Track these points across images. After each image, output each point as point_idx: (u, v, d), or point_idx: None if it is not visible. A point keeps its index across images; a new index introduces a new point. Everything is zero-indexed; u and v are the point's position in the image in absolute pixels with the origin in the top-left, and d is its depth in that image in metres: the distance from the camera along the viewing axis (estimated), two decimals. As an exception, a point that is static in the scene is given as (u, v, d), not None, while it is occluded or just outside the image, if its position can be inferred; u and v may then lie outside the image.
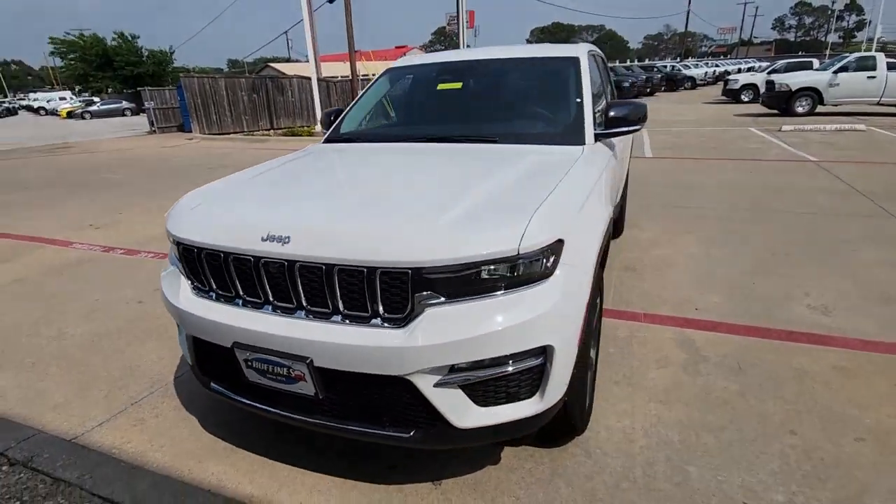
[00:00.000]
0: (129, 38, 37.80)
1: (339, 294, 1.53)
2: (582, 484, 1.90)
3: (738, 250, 4.26)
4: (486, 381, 1.55)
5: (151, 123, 18.47)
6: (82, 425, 2.32)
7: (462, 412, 1.56)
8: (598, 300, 2.04)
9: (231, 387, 1.86)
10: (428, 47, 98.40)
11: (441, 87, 2.97)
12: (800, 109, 14.18)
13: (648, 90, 26.88)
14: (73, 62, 37.29)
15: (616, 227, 4.45)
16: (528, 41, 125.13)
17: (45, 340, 3.15)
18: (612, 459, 2.02)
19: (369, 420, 1.64)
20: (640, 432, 2.16)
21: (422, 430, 1.59)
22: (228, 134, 15.27)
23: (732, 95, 20.59)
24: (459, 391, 1.55)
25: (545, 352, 1.56)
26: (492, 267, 1.47)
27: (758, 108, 16.50)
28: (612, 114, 2.55)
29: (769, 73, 19.30)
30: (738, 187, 6.49)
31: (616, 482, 1.90)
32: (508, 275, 1.50)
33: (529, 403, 1.61)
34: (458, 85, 2.93)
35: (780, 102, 14.36)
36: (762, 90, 16.52)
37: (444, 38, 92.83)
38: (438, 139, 2.58)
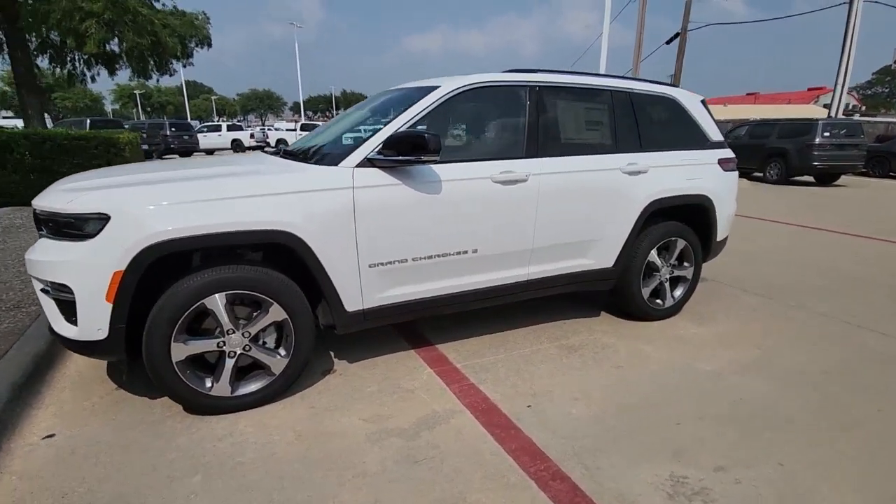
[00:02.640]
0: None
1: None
2: (150, 438, 2.21)
3: (778, 392, 2.68)
4: (56, 301, 2.20)
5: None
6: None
7: (56, 320, 2.25)
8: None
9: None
10: (865, 89, 77.00)
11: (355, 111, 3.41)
12: None
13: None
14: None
15: (623, 299, 3.48)
16: None
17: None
18: (162, 442, 2.20)
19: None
20: (233, 446, 2.20)
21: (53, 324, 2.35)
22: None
23: None
24: (53, 302, 2.25)
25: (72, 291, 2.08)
26: (52, 217, 2.13)
27: None
28: (387, 140, 2.46)
29: None
30: None
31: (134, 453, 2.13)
32: (66, 227, 2.11)
33: (72, 329, 2.15)
34: (364, 110, 3.31)
35: None
36: None
37: (891, 77, 70.96)
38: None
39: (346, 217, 2.43)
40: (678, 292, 3.68)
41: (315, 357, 2.94)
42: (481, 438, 2.24)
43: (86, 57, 11.27)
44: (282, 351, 2.45)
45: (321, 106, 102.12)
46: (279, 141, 26.77)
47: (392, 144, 2.46)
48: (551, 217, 2.98)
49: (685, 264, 3.66)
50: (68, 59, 11.58)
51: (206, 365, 2.39)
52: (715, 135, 3.73)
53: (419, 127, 2.67)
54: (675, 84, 15.04)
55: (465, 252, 2.78)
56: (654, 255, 3.46)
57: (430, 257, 2.69)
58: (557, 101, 3.08)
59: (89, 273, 2.07)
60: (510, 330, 3.42)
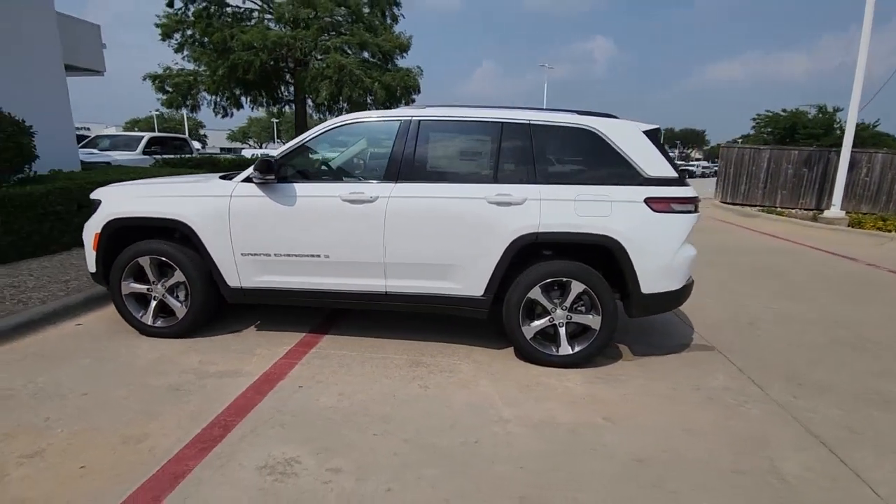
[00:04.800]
0: (830, 112, 38.16)
1: None
2: (107, 339, 3.64)
3: (527, 459, 2.38)
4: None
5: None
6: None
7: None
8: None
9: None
10: None
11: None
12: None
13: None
14: (762, 133, 41.06)
15: (504, 334, 3.36)
16: None
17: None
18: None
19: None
20: (126, 353, 3.40)
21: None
22: (750, 205, 14.37)
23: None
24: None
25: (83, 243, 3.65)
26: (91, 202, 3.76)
27: None
28: (255, 163, 3.32)
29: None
30: None
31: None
32: (90, 207, 3.71)
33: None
34: None
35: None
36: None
37: None
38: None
39: (223, 216, 3.38)
40: (581, 343, 3.27)
41: (239, 319, 3.99)
42: (231, 394, 2.85)
43: (343, 105, 15.63)
44: (185, 304, 3.56)
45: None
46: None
47: (257, 166, 3.31)
48: (401, 236, 3.26)
49: (592, 313, 3.24)
50: (335, 107, 16.21)
51: (149, 302, 3.69)
52: (656, 170, 3.18)
53: (299, 155, 3.43)
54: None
55: (318, 256, 3.37)
56: (537, 294, 3.23)
57: (287, 255, 3.40)
58: (430, 133, 3.34)
59: (89, 233, 3.61)
60: (399, 340, 3.71)
